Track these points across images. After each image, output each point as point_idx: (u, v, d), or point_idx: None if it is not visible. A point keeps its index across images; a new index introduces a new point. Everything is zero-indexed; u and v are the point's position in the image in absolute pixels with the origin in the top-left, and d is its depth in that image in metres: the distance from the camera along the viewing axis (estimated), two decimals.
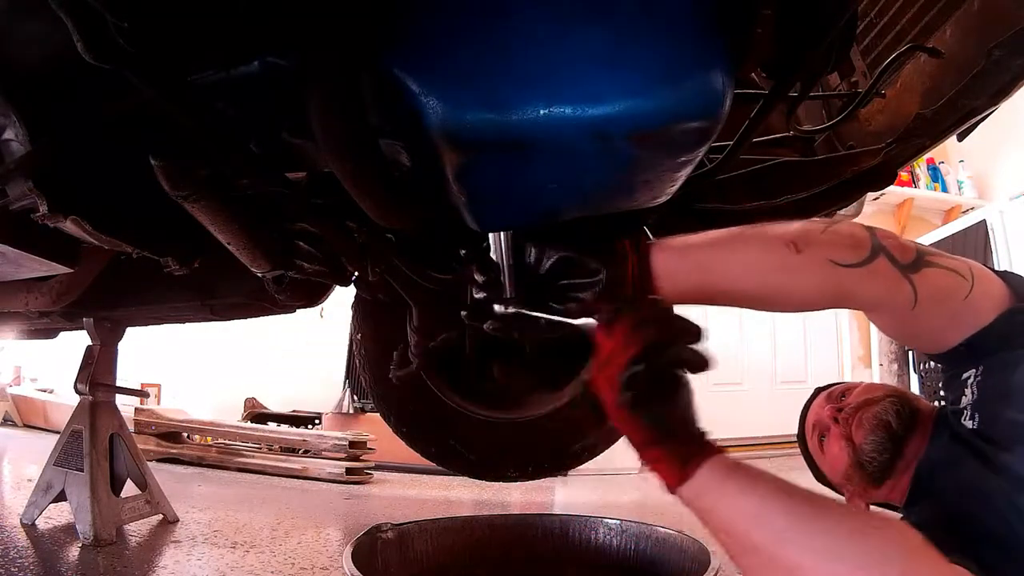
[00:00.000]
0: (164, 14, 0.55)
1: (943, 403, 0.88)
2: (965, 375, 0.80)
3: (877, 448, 0.89)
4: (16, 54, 0.67)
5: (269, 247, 0.90)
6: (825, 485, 1.04)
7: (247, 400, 3.94)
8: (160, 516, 1.77)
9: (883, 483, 0.90)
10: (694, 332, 0.62)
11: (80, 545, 1.48)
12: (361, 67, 0.57)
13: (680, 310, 0.66)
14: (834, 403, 1.00)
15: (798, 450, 1.10)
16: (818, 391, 1.08)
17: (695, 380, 0.61)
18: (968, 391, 0.79)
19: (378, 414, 1.65)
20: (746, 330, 4.10)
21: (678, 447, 0.59)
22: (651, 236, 0.74)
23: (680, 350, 0.61)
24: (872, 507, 0.95)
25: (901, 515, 0.89)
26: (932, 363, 2.95)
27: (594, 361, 0.64)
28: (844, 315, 4.20)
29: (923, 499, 0.84)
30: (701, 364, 0.61)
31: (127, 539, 1.59)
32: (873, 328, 3.66)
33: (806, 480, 0.79)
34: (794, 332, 4.25)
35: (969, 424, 0.78)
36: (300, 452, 2.98)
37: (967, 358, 0.78)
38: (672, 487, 0.59)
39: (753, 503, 0.56)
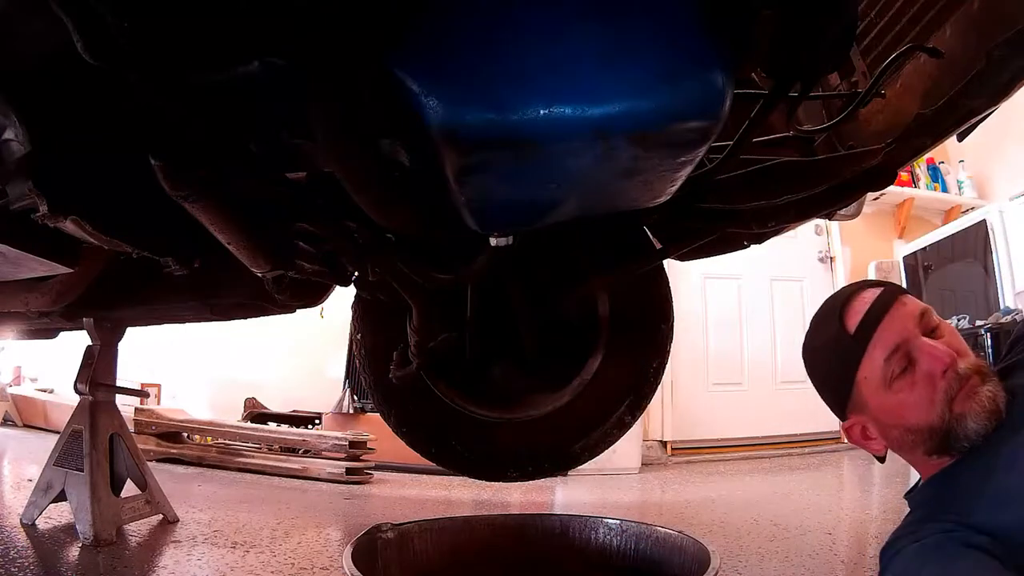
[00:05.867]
0: (164, 14, 0.55)
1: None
2: None
3: (980, 433, 0.73)
4: (16, 54, 0.67)
5: (269, 247, 0.90)
6: (837, 399, 0.87)
7: (247, 400, 3.94)
8: (160, 516, 1.77)
9: (931, 456, 0.79)
10: None
11: (80, 545, 1.48)
12: (361, 67, 0.57)
13: None
14: (926, 331, 0.79)
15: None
16: (897, 292, 0.83)
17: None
18: None
19: (378, 414, 1.65)
20: (746, 330, 4.09)
21: None
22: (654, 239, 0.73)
23: None
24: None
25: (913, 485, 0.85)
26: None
27: None
28: None
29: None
30: None
31: (127, 539, 1.59)
32: None
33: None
34: (794, 332, 4.24)
35: None
36: (300, 452, 2.98)
37: None
38: None
39: None
